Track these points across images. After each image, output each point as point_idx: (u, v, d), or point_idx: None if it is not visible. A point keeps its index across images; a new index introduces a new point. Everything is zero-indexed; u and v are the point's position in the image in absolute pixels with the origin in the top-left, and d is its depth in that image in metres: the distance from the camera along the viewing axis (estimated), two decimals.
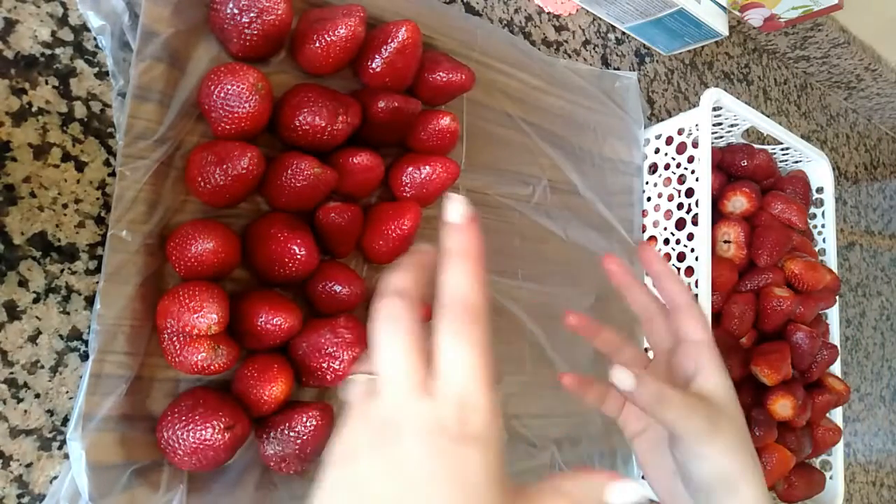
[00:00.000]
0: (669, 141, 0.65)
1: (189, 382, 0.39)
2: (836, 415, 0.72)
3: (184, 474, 0.37)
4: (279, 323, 0.38)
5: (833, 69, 1.03)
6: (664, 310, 0.46)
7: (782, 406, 0.62)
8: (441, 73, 0.47)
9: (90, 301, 0.38)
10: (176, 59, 0.39)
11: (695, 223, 0.59)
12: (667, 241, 0.63)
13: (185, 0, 0.40)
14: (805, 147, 0.71)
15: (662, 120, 0.70)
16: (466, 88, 0.49)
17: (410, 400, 0.26)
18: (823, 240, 0.75)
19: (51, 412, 0.36)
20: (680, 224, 0.62)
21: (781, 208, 0.68)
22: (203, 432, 0.35)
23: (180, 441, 0.35)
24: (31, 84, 0.37)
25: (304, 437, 0.38)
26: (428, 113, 0.47)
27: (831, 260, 0.74)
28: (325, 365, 0.40)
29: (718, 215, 0.67)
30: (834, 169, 0.92)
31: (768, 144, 0.74)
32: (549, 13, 0.65)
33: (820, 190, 0.76)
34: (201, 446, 0.35)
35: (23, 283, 0.36)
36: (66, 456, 0.37)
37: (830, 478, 0.71)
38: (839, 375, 0.73)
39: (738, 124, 0.68)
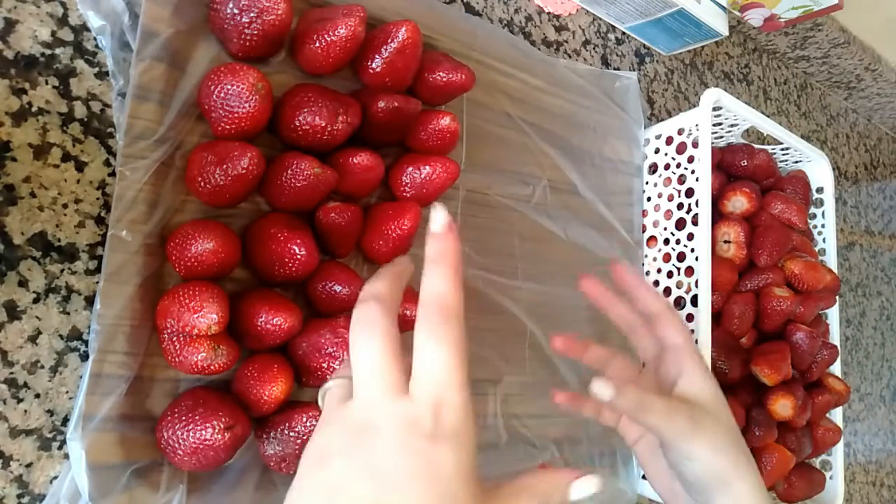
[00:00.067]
0: (669, 141, 0.65)
1: (189, 382, 0.39)
2: (836, 415, 0.72)
3: (184, 474, 0.37)
4: (279, 323, 0.38)
5: (833, 69, 1.03)
6: (646, 321, 0.47)
7: (782, 406, 0.62)
8: (441, 73, 0.47)
9: (90, 301, 0.38)
10: (176, 59, 0.39)
11: (695, 223, 0.59)
12: (667, 241, 0.63)
13: (185, 0, 0.40)
14: (805, 147, 0.71)
15: (662, 120, 0.70)
16: (466, 88, 0.49)
17: (385, 400, 0.26)
18: (823, 240, 0.75)
19: (51, 412, 0.37)
20: (680, 224, 0.62)
21: (781, 208, 0.68)
22: (203, 432, 0.35)
23: (180, 441, 0.35)
24: (31, 84, 0.37)
25: (304, 437, 0.38)
26: (428, 113, 0.47)
27: (831, 260, 0.74)
28: (325, 365, 0.40)
29: (718, 215, 0.67)
30: (834, 169, 0.92)
31: (768, 144, 0.74)
32: (549, 13, 0.65)
33: (820, 190, 0.76)
34: (201, 446, 0.35)
35: (23, 283, 0.36)
36: (66, 456, 0.37)
37: (830, 478, 0.71)
38: (839, 375, 0.73)
39: (738, 124, 0.68)
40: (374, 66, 0.44)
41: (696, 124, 0.60)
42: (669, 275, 0.62)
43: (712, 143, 0.69)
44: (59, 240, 0.38)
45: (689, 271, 0.59)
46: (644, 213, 0.66)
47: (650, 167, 0.67)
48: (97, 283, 0.37)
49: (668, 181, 0.64)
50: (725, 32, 0.70)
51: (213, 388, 0.38)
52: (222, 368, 0.37)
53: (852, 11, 0.85)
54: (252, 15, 0.39)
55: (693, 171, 0.60)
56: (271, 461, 0.39)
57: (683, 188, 0.61)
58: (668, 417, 0.40)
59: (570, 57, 0.66)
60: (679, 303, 0.60)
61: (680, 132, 0.63)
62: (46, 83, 0.38)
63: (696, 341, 0.56)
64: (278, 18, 0.39)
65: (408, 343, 0.28)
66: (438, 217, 0.29)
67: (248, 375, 0.38)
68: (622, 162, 0.66)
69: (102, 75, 0.40)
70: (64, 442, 0.37)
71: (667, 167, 0.65)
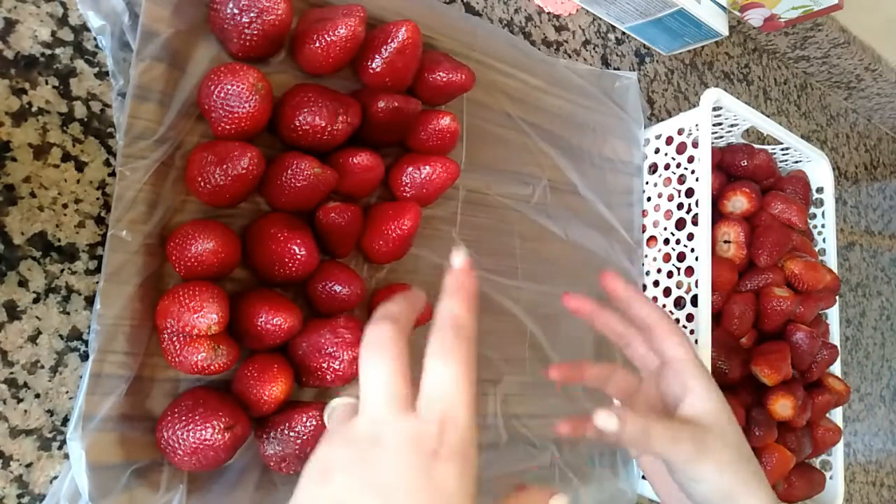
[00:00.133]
0: (669, 141, 0.65)
1: (189, 382, 0.39)
2: (836, 415, 0.72)
3: (184, 474, 0.37)
4: (279, 323, 0.38)
5: (833, 69, 1.03)
6: (639, 331, 0.46)
7: (782, 406, 0.62)
8: (441, 73, 0.47)
9: (90, 301, 0.38)
10: (176, 59, 0.39)
11: (695, 223, 0.59)
12: (667, 241, 0.63)
13: (185, 0, 0.40)
14: (805, 147, 0.71)
15: (662, 120, 0.70)
16: (466, 88, 0.49)
17: (391, 415, 0.26)
18: (823, 240, 0.75)
19: (51, 412, 0.37)
20: (680, 224, 0.62)
21: (781, 208, 0.68)
22: (203, 432, 0.35)
23: (180, 441, 0.35)
24: (31, 84, 0.37)
25: (304, 437, 0.38)
26: (428, 113, 0.47)
27: (831, 260, 0.74)
28: (325, 365, 0.40)
29: (718, 215, 0.67)
30: (834, 169, 0.92)
31: (768, 144, 0.74)
32: (549, 13, 0.65)
33: (820, 190, 0.76)
34: (201, 446, 0.35)
35: (23, 283, 0.36)
36: (66, 456, 0.37)
37: (830, 478, 0.71)
38: (839, 375, 0.73)
39: (738, 124, 0.68)
40: (374, 66, 0.44)
41: (696, 124, 0.60)
42: (669, 275, 0.62)
43: (712, 143, 0.69)
44: (59, 240, 0.38)
45: (689, 271, 0.59)
46: (644, 213, 0.66)
47: (650, 167, 0.67)
48: (97, 283, 0.37)
49: (668, 181, 0.64)
50: (725, 32, 0.70)
51: (213, 388, 0.38)
52: (222, 368, 0.37)
53: (852, 11, 0.85)
54: (252, 15, 0.39)
55: (693, 171, 0.60)
56: (271, 461, 0.39)
57: (683, 188, 0.61)
58: (673, 442, 0.39)
59: (570, 57, 0.66)
60: (679, 303, 0.60)
61: (680, 132, 0.63)
62: (46, 83, 0.38)
63: (696, 342, 0.56)
64: (278, 18, 0.39)
65: (417, 365, 0.28)
66: (459, 256, 0.31)
67: (248, 375, 0.38)
68: (622, 162, 0.66)
69: (102, 75, 0.40)
70: (64, 442, 0.37)
71: (667, 167, 0.65)
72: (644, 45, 0.75)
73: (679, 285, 0.60)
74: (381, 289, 0.47)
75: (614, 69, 0.71)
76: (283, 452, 0.38)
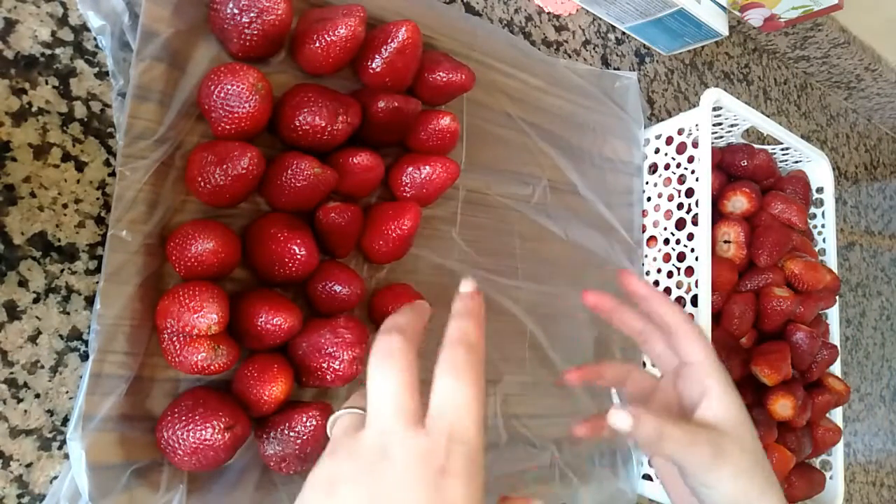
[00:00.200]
0: (669, 141, 0.65)
1: (189, 382, 0.39)
2: (836, 415, 0.72)
3: (184, 474, 0.37)
4: (279, 323, 0.38)
5: (833, 69, 1.03)
6: (659, 329, 0.45)
7: (782, 406, 0.62)
8: (441, 73, 0.47)
9: (90, 301, 0.38)
10: (176, 59, 0.39)
11: (695, 223, 0.59)
12: (667, 241, 0.63)
13: (185, 0, 0.40)
14: (805, 147, 0.71)
15: (662, 120, 0.70)
16: (466, 88, 0.49)
17: (399, 429, 0.26)
18: (823, 240, 0.75)
19: (51, 412, 0.37)
20: (680, 224, 0.62)
21: (781, 208, 0.68)
22: (203, 432, 0.35)
23: (180, 441, 0.35)
24: (31, 84, 0.37)
25: (304, 437, 0.38)
26: (428, 113, 0.47)
27: (831, 260, 0.74)
28: (325, 365, 0.40)
29: (718, 215, 0.67)
30: (834, 169, 0.92)
31: (768, 144, 0.74)
32: (549, 13, 0.65)
33: (820, 190, 0.76)
34: (201, 446, 0.35)
35: (23, 283, 0.36)
36: (66, 456, 0.37)
37: (830, 478, 0.71)
38: (839, 375, 0.73)
39: (738, 124, 0.68)
40: (374, 66, 0.44)
41: (696, 124, 0.60)
42: (669, 275, 0.62)
43: (712, 143, 0.69)
44: (59, 240, 0.38)
45: (689, 271, 0.59)
46: (644, 213, 0.66)
47: (650, 167, 0.67)
48: (97, 283, 0.37)
49: (668, 181, 0.64)
50: (725, 32, 0.70)
51: (213, 388, 0.38)
52: (222, 368, 0.37)
53: (852, 11, 0.85)
54: (252, 15, 0.39)
55: (693, 171, 0.60)
56: (271, 461, 0.39)
57: (683, 188, 0.61)
58: (688, 447, 0.38)
59: (570, 57, 0.66)
60: (679, 303, 0.60)
61: (680, 132, 0.63)
62: (46, 83, 0.38)
63: None
64: (278, 18, 0.39)
65: (426, 378, 0.28)
66: (468, 283, 0.32)
67: (248, 375, 0.38)
68: (622, 162, 0.66)
69: (102, 75, 0.40)
70: (64, 442, 0.37)
71: (667, 167, 0.65)
72: (644, 45, 0.75)
73: (679, 285, 0.60)
74: (381, 289, 0.47)
75: (614, 69, 0.71)
76: (283, 452, 0.38)
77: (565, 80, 0.62)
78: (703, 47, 0.84)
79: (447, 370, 0.28)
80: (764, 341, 0.67)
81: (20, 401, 0.36)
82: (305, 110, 0.40)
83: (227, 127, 0.39)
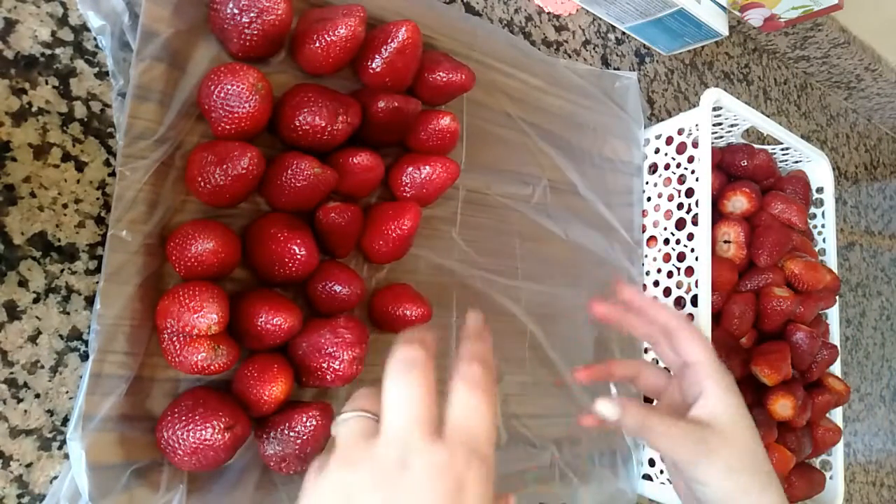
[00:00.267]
0: (669, 141, 0.65)
1: (189, 382, 0.39)
2: (836, 415, 0.72)
3: (184, 474, 0.37)
4: (279, 323, 0.38)
5: (833, 69, 1.03)
6: (663, 335, 0.46)
7: (782, 406, 0.62)
8: (441, 73, 0.47)
9: (90, 301, 0.38)
10: (176, 59, 0.39)
11: (695, 223, 0.59)
12: (667, 241, 0.63)
13: (185, 0, 0.40)
14: (805, 147, 0.71)
15: (662, 120, 0.70)
16: (466, 88, 0.49)
17: (418, 441, 0.26)
18: (823, 240, 0.75)
19: (51, 412, 0.37)
20: (680, 224, 0.62)
21: (781, 208, 0.68)
22: (203, 432, 0.35)
23: (180, 441, 0.35)
24: (31, 84, 0.37)
25: (304, 437, 0.38)
26: (428, 113, 0.47)
27: (831, 260, 0.74)
28: (325, 365, 0.40)
29: (718, 215, 0.67)
30: (834, 169, 0.92)
31: (768, 144, 0.74)
32: (549, 13, 0.65)
33: (820, 190, 0.76)
34: (201, 446, 0.35)
35: (23, 283, 0.36)
36: (66, 456, 0.37)
37: (830, 478, 0.71)
38: (839, 375, 0.73)
39: (738, 124, 0.68)
40: (374, 66, 0.44)
41: (696, 124, 0.60)
42: (669, 275, 0.62)
43: (712, 143, 0.69)
44: (59, 240, 0.38)
45: (689, 271, 0.59)
46: (644, 213, 0.66)
47: (650, 167, 0.67)
48: (97, 283, 0.37)
49: (668, 181, 0.64)
50: (725, 32, 0.70)
51: (213, 388, 0.38)
52: (222, 368, 0.37)
53: (852, 11, 0.85)
54: (252, 15, 0.39)
55: (693, 171, 0.60)
56: (271, 461, 0.39)
57: (683, 188, 0.61)
58: (675, 441, 0.39)
59: (570, 57, 0.66)
60: (679, 303, 0.60)
61: (680, 132, 0.63)
62: (46, 83, 0.38)
63: None
64: (278, 18, 0.39)
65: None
66: (476, 317, 0.33)
67: (248, 375, 0.38)
68: (622, 162, 0.66)
69: (102, 75, 0.40)
70: (64, 442, 0.37)
71: (667, 167, 0.65)
72: (644, 45, 0.75)
73: (679, 285, 0.60)
74: (381, 289, 0.47)
75: (614, 69, 0.71)
76: (283, 452, 0.38)
77: (565, 80, 0.62)
78: (703, 47, 0.84)
79: (464, 384, 0.28)
80: (764, 341, 0.67)
81: (20, 401, 0.36)
82: (305, 110, 0.40)
83: (227, 127, 0.39)
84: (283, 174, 0.40)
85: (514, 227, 0.56)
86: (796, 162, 0.77)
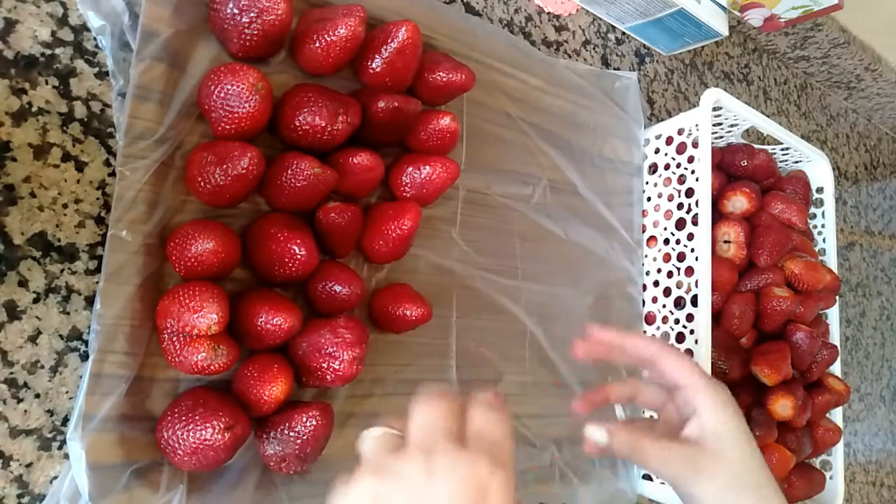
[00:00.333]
0: (669, 141, 0.65)
1: (189, 382, 0.39)
2: (836, 415, 0.72)
3: (184, 474, 0.37)
4: (279, 323, 0.38)
5: (833, 69, 1.03)
6: (640, 383, 0.47)
7: (782, 406, 0.62)
8: (441, 73, 0.47)
9: (90, 301, 0.38)
10: (176, 59, 0.39)
11: (695, 223, 0.59)
12: (667, 241, 0.63)
13: (185, 0, 0.40)
14: (805, 147, 0.71)
15: (662, 120, 0.70)
16: (466, 88, 0.49)
17: (444, 450, 0.28)
18: (823, 240, 0.75)
19: (51, 412, 0.36)
20: (680, 224, 0.62)
21: (781, 208, 0.68)
22: (203, 432, 0.35)
23: (180, 441, 0.35)
24: (31, 84, 0.37)
25: (304, 437, 0.38)
26: (428, 113, 0.47)
27: (831, 260, 0.74)
28: (325, 365, 0.40)
29: (718, 215, 0.67)
30: (834, 169, 0.92)
31: (768, 144, 0.74)
32: (549, 13, 0.65)
33: (820, 190, 0.76)
34: (201, 446, 0.35)
35: (23, 283, 0.36)
36: (66, 456, 0.37)
37: (830, 478, 0.71)
38: (839, 375, 0.73)
39: (738, 124, 0.68)
40: (374, 66, 0.44)
41: (696, 124, 0.60)
42: (669, 275, 0.62)
43: (712, 143, 0.69)
44: (59, 240, 0.38)
45: (689, 271, 0.59)
46: (644, 213, 0.66)
47: (650, 167, 0.67)
48: (97, 283, 0.37)
49: (668, 181, 0.64)
50: (725, 32, 0.70)
51: (213, 388, 0.38)
52: (222, 368, 0.37)
53: (852, 11, 0.85)
54: (252, 15, 0.39)
55: (693, 171, 0.60)
56: (271, 461, 0.39)
57: (683, 188, 0.61)
58: (664, 462, 0.40)
59: (570, 57, 0.66)
60: (679, 303, 0.60)
61: (680, 132, 0.63)
62: (46, 83, 0.38)
63: (696, 342, 0.56)
64: (278, 18, 0.39)
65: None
66: (487, 395, 0.33)
67: (248, 375, 0.38)
68: (622, 162, 0.66)
69: (102, 75, 0.40)
70: (64, 442, 0.37)
71: (667, 167, 0.65)
72: (644, 45, 0.75)
73: (679, 285, 0.60)
74: (381, 289, 0.47)
75: (614, 69, 0.71)
76: (283, 452, 0.38)
77: (565, 80, 0.62)
78: (703, 47, 0.84)
79: (481, 404, 0.31)
80: (764, 341, 0.67)
81: (20, 401, 0.36)
82: (305, 110, 0.40)
83: (227, 127, 0.39)
84: (283, 174, 0.40)
85: (514, 227, 0.56)
86: (796, 162, 0.77)
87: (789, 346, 0.65)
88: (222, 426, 0.35)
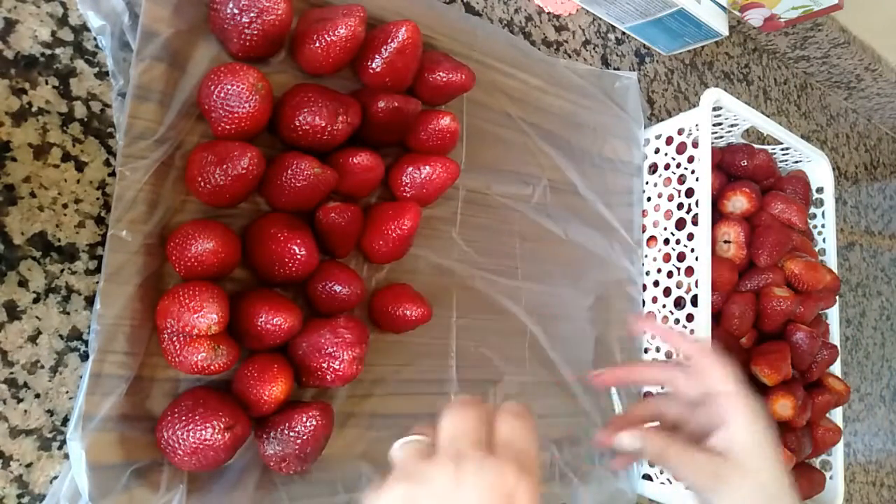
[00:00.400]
0: (669, 141, 0.65)
1: (189, 382, 0.39)
2: (836, 415, 0.72)
3: (184, 474, 0.37)
4: (279, 323, 0.38)
5: (833, 69, 1.03)
6: (676, 367, 0.47)
7: (782, 406, 0.62)
8: (441, 73, 0.47)
9: (90, 301, 0.38)
10: (176, 59, 0.39)
11: (695, 223, 0.59)
12: (667, 241, 0.63)
13: (185, 0, 0.40)
14: (805, 147, 0.71)
15: (662, 120, 0.70)
16: (466, 88, 0.49)
17: (473, 456, 0.28)
18: (823, 240, 0.75)
19: (51, 412, 0.36)
20: (680, 224, 0.62)
21: (781, 208, 0.68)
22: (203, 432, 0.35)
23: (180, 441, 0.35)
24: (31, 84, 0.37)
25: (304, 437, 0.38)
26: (428, 113, 0.47)
27: (831, 260, 0.74)
28: (325, 365, 0.40)
29: (718, 215, 0.67)
30: (834, 169, 0.92)
31: (768, 144, 0.74)
32: (549, 13, 0.65)
33: (820, 190, 0.76)
34: (201, 446, 0.35)
35: (23, 283, 0.36)
36: (66, 456, 0.37)
37: (830, 478, 0.71)
38: (839, 375, 0.73)
39: (738, 124, 0.68)
40: (374, 66, 0.44)
41: (696, 124, 0.60)
42: (669, 275, 0.62)
43: (712, 143, 0.69)
44: (59, 240, 0.38)
45: (689, 271, 0.59)
46: (644, 213, 0.66)
47: (650, 167, 0.67)
48: (97, 283, 0.37)
49: (668, 181, 0.64)
50: (725, 32, 0.70)
51: (213, 388, 0.38)
52: (222, 368, 0.37)
53: (852, 11, 0.85)
54: (252, 15, 0.39)
55: (693, 171, 0.60)
56: (271, 461, 0.39)
57: (683, 188, 0.61)
58: (690, 469, 0.41)
59: (570, 57, 0.66)
60: (679, 303, 0.60)
61: (680, 132, 0.63)
62: (46, 83, 0.38)
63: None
64: (278, 18, 0.39)
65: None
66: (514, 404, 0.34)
67: (248, 375, 0.38)
68: (622, 162, 0.66)
69: (102, 75, 0.40)
70: (64, 442, 0.37)
71: (667, 167, 0.65)
72: (644, 45, 0.75)
73: (679, 285, 0.60)
74: (381, 289, 0.47)
75: (614, 69, 0.71)
76: (283, 452, 0.38)
77: (565, 80, 0.62)
78: (703, 47, 0.84)
79: (508, 413, 0.32)
80: (764, 341, 0.67)
81: (20, 401, 0.36)
82: (305, 110, 0.40)
83: (227, 127, 0.39)
84: (283, 174, 0.40)
85: (514, 227, 0.56)
86: (796, 162, 0.77)
87: (789, 346, 0.65)
88: (222, 426, 0.35)
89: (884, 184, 1.22)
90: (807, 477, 0.67)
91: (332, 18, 0.41)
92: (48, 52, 0.38)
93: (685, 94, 0.80)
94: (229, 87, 0.38)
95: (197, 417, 0.35)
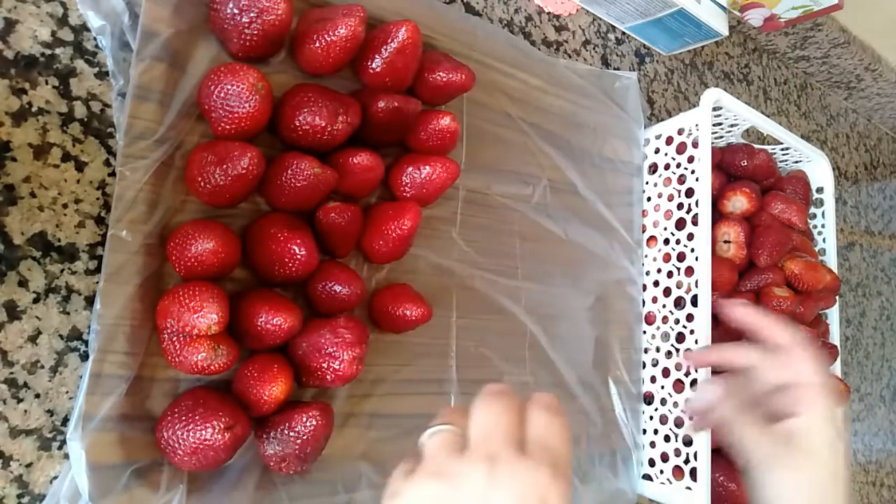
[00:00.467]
0: (669, 141, 0.65)
1: (189, 382, 0.39)
2: None
3: (184, 474, 0.37)
4: (279, 323, 0.38)
5: (833, 69, 1.03)
6: (765, 353, 0.47)
7: None
8: (441, 73, 0.47)
9: (90, 301, 0.38)
10: (176, 59, 0.39)
11: (695, 223, 0.59)
12: (667, 241, 0.63)
13: (185, 0, 0.40)
14: (805, 147, 0.71)
15: (662, 120, 0.70)
16: (466, 88, 0.49)
17: (507, 457, 0.28)
18: (823, 240, 0.75)
19: (51, 412, 0.37)
20: (680, 224, 0.62)
21: (781, 208, 0.68)
22: (203, 432, 0.35)
23: (180, 441, 0.35)
24: (31, 84, 0.37)
25: (304, 437, 0.38)
26: (428, 113, 0.47)
27: (831, 260, 0.74)
28: (325, 365, 0.40)
29: (718, 215, 0.67)
30: (834, 169, 0.92)
31: (768, 144, 0.74)
32: (549, 13, 0.65)
33: (820, 190, 0.76)
34: (201, 446, 0.35)
35: (23, 283, 0.36)
36: (66, 456, 0.37)
37: None
38: (839, 375, 0.73)
39: (738, 124, 0.68)
40: (374, 66, 0.44)
41: (696, 124, 0.60)
42: (669, 275, 0.62)
43: (712, 143, 0.69)
44: (59, 240, 0.38)
45: (689, 271, 0.59)
46: (644, 213, 0.66)
47: (650, 167, 0.67)
48: (97, 283, 0.37)
49: (668, 181, 0.64)
50: (725, 32, 0.70)
51: (213, 388, 0.38)
52: (222, 368, 0.37)
53: (852, 11, 0.85)
54: (252, 15, 0.39)
55: (693, 171, 0.60)
56: (271, 461, 0.39)
57: (683, 188, 0.61)
58: (757, 443, 0.41)
59: (570, 57, 0.66)
60: (679, 303, 0.60)
61: (680, 132, 0.63)
62: (46, 83, 0.38)
63: (696, 342, 0.56)
64: (278, 18, 0.39)
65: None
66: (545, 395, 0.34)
67: (248, 375, 0.38)
68: (622, 162, 0.66)
69: (102, 75, 0.40)
70: (64, 442, 0.37)
71: (667, 167, 0.65)
72: (644, 45, 0.75)
73: (679, 285, 0.60)
74: (381, 289, 0.47)
75: (614, 69, 0.71)
76: (283, 452, 0.38)
77: (565, 80, 0.62)
78: (703, 47, 0.84)
79: (543, 407, 0.31)
80: None
81: (20, 401, 0.36)
82: (305, 110, 0.40)
83: (227, 127, 0.39)
84: (283, 174, 0.40)
85: (514, 227, 0.56)
86: (796, 162, 0.77)
87: None
88: (222, 426, 0.35)
89: (884, 184, 1.22)
90: None
91: (332, 18, 0.41)
92: (48, 52, 0.38)
93: (685, 94, 0.80)
94: (229, 87, 0.38)
95: (197, 417, 0.35)
